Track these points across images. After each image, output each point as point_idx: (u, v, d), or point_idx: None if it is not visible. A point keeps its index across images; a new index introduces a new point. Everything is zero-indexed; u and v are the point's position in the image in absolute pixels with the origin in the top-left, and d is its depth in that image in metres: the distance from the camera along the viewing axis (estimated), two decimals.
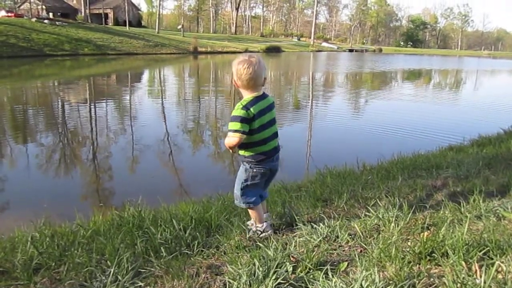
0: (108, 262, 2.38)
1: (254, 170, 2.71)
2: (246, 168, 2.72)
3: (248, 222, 2.96)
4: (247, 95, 2.60)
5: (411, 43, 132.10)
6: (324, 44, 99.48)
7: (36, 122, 11.09)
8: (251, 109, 2.54)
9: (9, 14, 51.79)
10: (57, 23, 46.70)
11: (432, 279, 2.01)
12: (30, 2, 59.44)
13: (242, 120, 2.52)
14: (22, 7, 66.64)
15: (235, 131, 2.52)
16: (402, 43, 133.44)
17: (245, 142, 2.61)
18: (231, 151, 2.66)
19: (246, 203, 2.79)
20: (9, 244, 2.80)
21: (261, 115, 2.59)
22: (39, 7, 61.90)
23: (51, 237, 2.85)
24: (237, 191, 2.78)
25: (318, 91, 20.29)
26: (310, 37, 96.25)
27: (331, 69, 35.86)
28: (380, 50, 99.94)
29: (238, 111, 2.53)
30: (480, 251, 2.17)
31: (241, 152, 2.70)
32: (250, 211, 2.86)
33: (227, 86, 20.64)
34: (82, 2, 65.86)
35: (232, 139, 2.53)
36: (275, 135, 2.74)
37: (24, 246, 2.63)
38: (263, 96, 2.65)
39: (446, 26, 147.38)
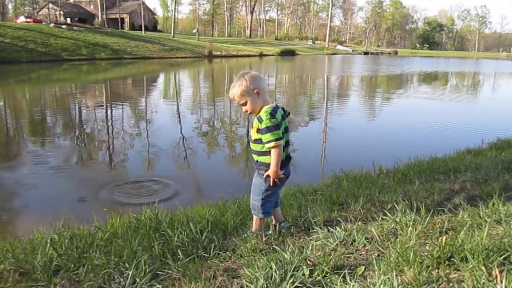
0: (126, 264, 2.41)
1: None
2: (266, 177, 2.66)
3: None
4: (266, 105, 2.60)
5: (427, 46, 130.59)
6: (339, 47, 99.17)
7: (54, 125, 11.26)
8: (276, 116, 2.55)
9: (28, 20, 53.04)
10: (74, 28, 47.44)
11: (451, 284, 1.99)
12: (48, 8, 60.52)
13: (277, 127, 2.52)
14: (40, 12, 68.21)
15: (276, 139, 2.51)
16: (418, 45, 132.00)
17: (266, 150, 2.60)
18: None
19: (264, 213, 2.78)
20: (29, 246, 2.85)
21: (282, 121, 2.62)
22: (57, 12, 63.17)
23: (70, 239, 2.89)
24: (256, 201, 2.74)
25: (333, 93, 20.21)
26: (325, 40, 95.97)
27: (346, 72, 35.66)
28: (396, 52, 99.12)
29: (268, 121, 2.51)
30: (500, 256, 2.13)
31: (261, 159, 2.67)
32: (257, 219, 2.84)
33: None
34: (99, 8, 66.92)
35: (278, 148, 2.52)
36: (288, 143, 2.73)
37: (43, 248, 2.67)
38: (278, 106, 2.66)
39: (463, 28, 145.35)
